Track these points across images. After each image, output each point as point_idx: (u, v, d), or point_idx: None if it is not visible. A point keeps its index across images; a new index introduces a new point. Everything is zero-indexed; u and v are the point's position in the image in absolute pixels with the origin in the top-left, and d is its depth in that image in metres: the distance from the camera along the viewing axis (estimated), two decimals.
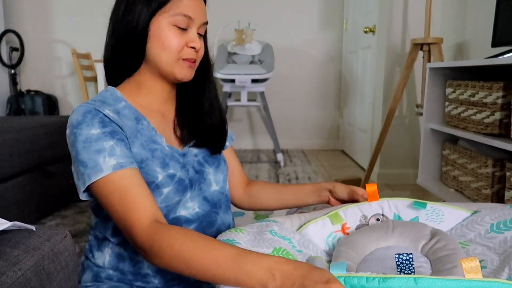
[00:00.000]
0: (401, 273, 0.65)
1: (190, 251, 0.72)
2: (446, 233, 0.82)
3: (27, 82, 4.29)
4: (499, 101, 1.52)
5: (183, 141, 0.98)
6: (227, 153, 1.14)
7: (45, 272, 0.63)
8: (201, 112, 1.01)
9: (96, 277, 0.94)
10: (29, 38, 4.19)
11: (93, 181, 0.80)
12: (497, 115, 1.54)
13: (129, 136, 0.89)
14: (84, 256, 0.99)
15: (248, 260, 0.67)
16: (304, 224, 0.95)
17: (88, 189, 0.83)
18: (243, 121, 4.31)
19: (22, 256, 0.61)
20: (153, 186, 0.88)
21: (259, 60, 3.52)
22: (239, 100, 3.46)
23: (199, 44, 0.93)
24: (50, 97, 4.20)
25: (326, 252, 0.91)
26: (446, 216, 0.91)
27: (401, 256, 0.66)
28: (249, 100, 3.58)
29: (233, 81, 3.29)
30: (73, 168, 0.85)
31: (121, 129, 0.88)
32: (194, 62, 0.95)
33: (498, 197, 1.60)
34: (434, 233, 0.82)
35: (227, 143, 1.13)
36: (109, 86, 0.97)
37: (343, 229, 0.93)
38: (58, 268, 0.66)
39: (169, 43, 0.90)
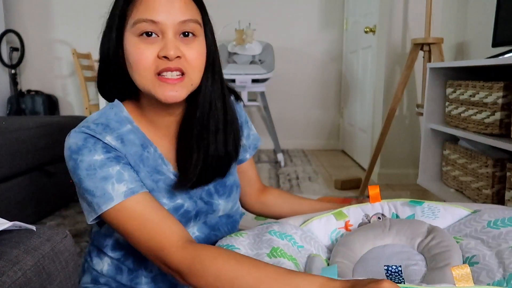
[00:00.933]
0: (391, 274, 0.64)
1: (234, 269, 0.66)
2: (443, 230, 0.82)
3: (27, 82, 4.29)
4: (500, 101, 1.52)
5: (180, 167, 0.86)
6: (247, 165, 1.05)
7: (45, 272, 0.63)
8: (203, 140, 0.84)
9: (95, 280, 0.93)
10: (30, 38, 4.19)
11: (104, 210, 0.73)
12: (498, 115, 1.54)
13: (133, 165, 0.80)
14: (84, 257, 0.99)
15: (299, 278, 0.63)
16: (308, 220, 0.95)
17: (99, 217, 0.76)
18: None
19: (22, 256, 0.61)
20: None
21: (260, 60, 3.52)
22: None
23: (172, 50, 0.73)
24: (50, 97, 4.20)
25: (328, 248, 0.92)
26: (442, 212, 0.92)
27: (389, 268, 0.66)
28: (249, 100, 3.58)
29: (233, 81, 3.29)
30: (78, 195, 0.79)
31: (125, 156, 0.80)
32: (181, 76, 0.76)
33: (499, 197, 1.60)
34: (431, 229, 0.82)
35: (247, 155, 1.03)
36: (116, 101, 0.86)
37: (346, 226, 0.95)
38: (59, 268, 0.66)
39: (136, 60, 0.75)
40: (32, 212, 1.99)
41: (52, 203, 2.14)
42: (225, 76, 3.28)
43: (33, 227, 0.67)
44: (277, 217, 1.05)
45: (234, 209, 1.00)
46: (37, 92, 4.19)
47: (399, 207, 0.96)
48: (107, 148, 0.77)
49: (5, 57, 4.11)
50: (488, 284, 0.67)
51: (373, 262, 0.77)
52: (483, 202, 1.62)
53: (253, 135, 1.05)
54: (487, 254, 0.74)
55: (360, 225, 0.95)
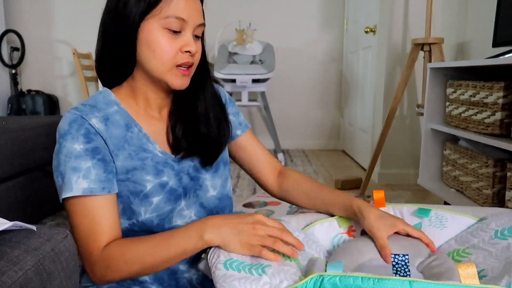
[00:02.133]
0: (397, 274, 0.64)
1: (132, 253, 0.80)
2: (445, 254, 0.82)
3: (28, 82, 4.30)
4: (500, 101, 1.52)
5: (176, 147, 0.93)
6: (242, 140, 1.09)
7: (45, 272, 0.63)
8: (194, 120, 0.95)
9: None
10: (30, 38, 4.19)
11: (63, 196, 0.82)
12: (498, 115, 1.54)
13: (112, 150, 0.86)
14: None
15: (181, 228, 0.80)
16: (311, 223, 0.95)
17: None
18: None
19: (22, 256, 0.61)
20: (141, 196, 0.87)
21: (260, 60, 3.52)
22: (240, 100, 3.46)
23: (194, 47, 0.86)
24: (50, 97, 4.20)
25: (329, 252, 0.92)
26: (450, 222, 0.91)
27: (397, 257, 0.65)
28: (249, 100, 3.58)
29: (234, 81, 3.30)
30: (54, 175, 0.86)
31: (105, 142, 0.85)
32: (190, 68, 0.88)
33: (499, 197, 1.60)
34: (433, 254, 0.82)
35: (238, 132, 1.08)
36: (104, 88, 0.93)
37: (349, 231, 0.94)
38: (59, 268, 0.66)
39: (160, 50, 0.84)
40: (32, 212, 1.99)
41: (52, 203, 2.14)
42: (226, 76, 3.29)
43: (34, 227, 0.67)
44: (296, 204, 1.10)
45: (227, 187, 1.02)
46: (37, 92, 4.19)
47: (406, 215, 0.94)
48: (89, 136, 0.83)
49: (6, 57, 4.11)
50: None
51: (370, 270, 0.77)
52: (484, 202, 1.62)
53: (241, 116, 1.12)
54: (495, 267, 0.74)
55: (363, 231, 0.93)
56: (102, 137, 0.85)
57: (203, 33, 0.95)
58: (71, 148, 0.82)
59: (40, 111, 4.08)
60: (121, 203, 0.87)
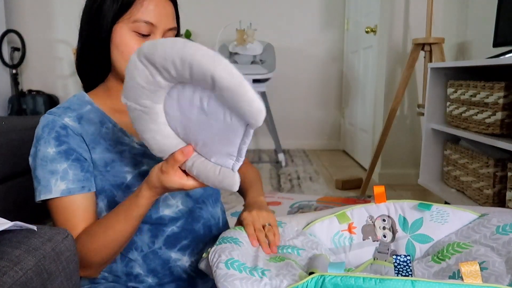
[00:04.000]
0: (399, 275, 0.64)
1: (101, 235, 0.83)
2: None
3: (28, 82, 4.30)
4: (501, 101, 1.52)
5: None
6: None
7: (46, 272, 0.63)
8: None
9: (92, 279, 0.95)
10: (31, 38, 4.19)
11: (42, 199, 0.86)
12: (499, 115, 1.54)
13: (89, 143, 0.89)
14: None
15: (129, 201, 0.82)
16: (311, 222, 0.95)
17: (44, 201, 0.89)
18: None
19: (23, 256, 0.61)
20: (124, 187, 0.89)
21: (261, 60, 3.52)
22: None
23: None
24: (51, 97, 4.20)
25: (331, 250, 0.92)
26: (451, 217, 0.92)
27: (399, 257, 0.65)
28: None
29: None
30: (32, 176, 0.89)
31: (82, 137, 0.89)
32: None
33: (500, 197, 1.60)
34: None
35: None
36: (80, 91, 0.98)
37: (349, 228, 0.95)
38: (60, 268, 0.66)
39: (128, 52, 0.87)
40: (32, 212, 1.99)
41: None
42: None
43: (34, 227, 0.67)
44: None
45: None
46: (38, 92, 4.19)
47: (407, 209, 0.95)
48: (60, 139, 0.87)
49: (6, 57, 4.12)
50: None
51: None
52: (484, 202, 1.62)
53: None
54: (497, 261, 0.74)
55: (364, 227, 0.95)
56: (76, 134, 0.89)
57: (177, 35, 0.97)
58: (45, 152, 0.86)
59: (40, 111, 4.08)
60: (105, 198, 0.91)
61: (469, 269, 0.59)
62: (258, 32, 3.58)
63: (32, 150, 0.89)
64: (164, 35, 0.90)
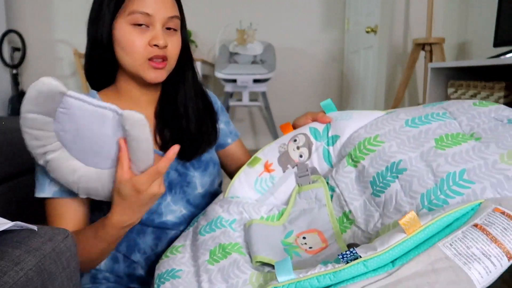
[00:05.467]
0: (348, 262, 0.59)
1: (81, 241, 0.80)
2: None
3: (29, 82, 4.30)
4: (501, 101, 1.52)
5: (164, 147, 0.94)
6: (231, 149, 1.12)
7: (46, 272, 0.63)
8: (176, 115, 0.96)
9: (94, 279, 0.95)
10: (31, 38, 4.19)
11: (36, 196, 0.87)
12: None
13: None
14: None
15: (101, 229, 0.79)
16: (228, 185, 0.92)
17: None
18: (244, 121, 4.31)
19: (23, 256, 0.61)
20: None
21: (261, 60, 3.52)
22: (240, 100, 3.46)
23: (162, 40, 0.85)
24: None
25: (259, 200, 0.89)
26: (355, 114, 0.88)
27: (345, 255, 0.60)
28: (250, 100, 3.58)
29: (234, 81, 3.30)
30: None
31: None
32: (164, 61, 0.88)
33: None
34: None
35: (229, 140, 1.12)
36: (91, 90, 0.96)
37: (266, 168, 0.91)
38: (60, 268, 0.66)
39: (129, 46, 0.86)
40: (33, 212, 1.99)
41: None
42: (227, 76, 3.29)
43: (35, 227, 0.67)
44: None
45: (214, 186, 1.03)
46: None
47: (314, 123, 0.91)
48: None
49: (7, 57, 4.12)
50: (423, 195, 0.67)
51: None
52: None
53: (232, 125, 1.15)
54: (412, 157, 0.72)
55: (279, 158, 0.90)
56: None
57: (183, 26, 0.95)
58: None
59: None
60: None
61: (408, 221, 0.57)
62: (258, 32, 3.58)
63: None
64: (165, 24, 0.88)
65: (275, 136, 3.46)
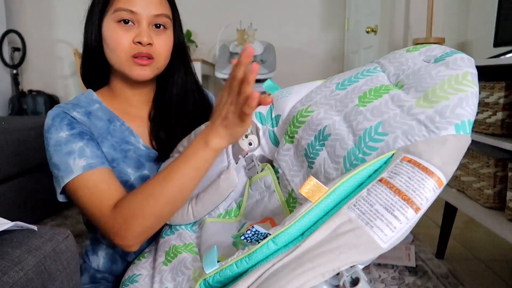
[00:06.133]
0: (258, 242, 0.57)
1: (149, 191, 0.75)
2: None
3: (29, 82, 4.30)
4: (501, 101, 1.52)
5: (160, 149, 0.95)
6: None
7: (47, 272, 0.63)
8: (168, 116, 0.97)
9: (93, 279, 0.95)
10: (31, 38, 4.19)
11: (65, 182, 0.81)
12: (499, 115, 1.53)
13: (97, 137, 0.88)
14: (81, 259, 1.01)
15: (185, 151, 0.75)
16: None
17: (65, 191, 0.85)
18: None
19: (24, 256, 0.61)
20: (128, 185, 0.89)
21: (261, 60, 3.52)
22: None
23: (146, 37, 0.85)
24: (52, 97, 4.20)
25: None
26: (296, 88, 0.86)
27: (245, 235, 0.58)
28: None
29: None
30: (51, 169, 0.87)
31: (91, 130, 0.88)
32: (149, 59, 0.88)
33: (500, 197, 1.60)
34: None
35: None
36: (88, 89, 0.97)
37: None
38: (60, 268, 0.66)
39: (113, 43, 0.86)
40: (33, 212, 1.99)
41: (53, 203, 2.14)
42: (227, 76, 3.29)
43: (35, 227, 0.67)
44: None
45: None
46: (38, 92, 4.19)
47: (261, 107, 0.87)
48: (72, 124, 0.85)
49: (7, 57, 4.12)
50: (344, 158, 0.62)
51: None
52: (485, 202, 1.62)
53: None
54: (336, 121, 0.67)
55: (232, 150, 0.86)
56: (85, 126, 0.88)
57: (176, 25, 0.94)
58: (58, 137, 0.83)
59: (41, 111, 4.08)
60: None
61: (309, 188, 0.54)
62: (258, 32, 3.58)
63: (44, 142, 0.87)
64: (151, 22, 0.87)
65: None
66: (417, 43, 2.35)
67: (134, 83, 0.94)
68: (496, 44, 1.80)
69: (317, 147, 0.69)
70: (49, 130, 0.85)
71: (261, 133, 0.85)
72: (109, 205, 0.78)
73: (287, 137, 0.78)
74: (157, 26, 0.89)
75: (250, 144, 0.86)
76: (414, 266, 1.67)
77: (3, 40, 4.02)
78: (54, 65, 4.31)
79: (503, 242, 1.97)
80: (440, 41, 2.30)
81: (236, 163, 0.85)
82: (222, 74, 3.25)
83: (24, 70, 4.30)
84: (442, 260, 1.78)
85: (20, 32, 4.08)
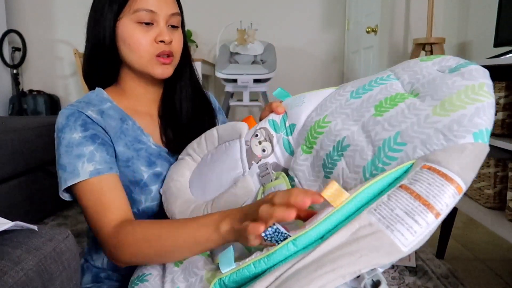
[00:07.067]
0: (278, 243, 0.57)
1: (145, 235, 0.74)
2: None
3: (29, 82, 4.30)
4: (502, 101, 1.52)
5: (169, 146, 0.96)
6: None
7: (47, 272, 0.63)
8: (175, 113, 0.99)
9: (96, 278, 0.94)
10: (31, 38, 4.19)
11: (68, 185, 0.82)
12: (500, 115, 1.53)
13: (112, 137, 0.89)
14: (83, 259, 1.00)
15: (196, 223, 0.71)
16: None
17: (70, 191, 0.85)
18: None
19: (24, 256, 0.61)
20: (142, 184, 0.89)
21: (261, 60, 3.52)
22: (241, 100, 3.46)
23: (168, 36, 0.89)
24: (52, 97, 4.21)
25: None
26: (308, 97, 0.85)
27: (266, 233, 0.56)
28: (251, 100, 3.58)
29: (235, 81, 3.29)
30: (57, 168, 0.87)
31: (104, 130, 0.88)
32: (170, 57, 0.91)
33: (501, 197, 1.60)
34: None
35: None
36: (96, 88, 0.96)
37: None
38: (60, 268, 0.66)
39: (135, 43, 0.88)
40: (33, 212, 1.99)
41: (53, 203, 2.14)
42: (227, 76, 3.28)
43: (35, 227, 0.67)
44: None
45: None
46: (39, 92, 4.19)
47: (273, 114, 0.87)
48: (86, 125, 0.86)
49: (7, 57, 4.12)
50: (364, 168, 0.63)
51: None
52: (485, 202, 1.62)
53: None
54: (354, 131, 0.68)
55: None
56: (100, 125, 0.88)
57: (183, 23, 0.98)
58: (71, 138, 0.84)
59: (41, 111, 4.09)
60: None
61: (331, 192, 0.54)
62: (259, 32, 3.58)
63: (56, 142, 0.86)
64: (168, 21, 0.91)
65: None
66: (417, 43, 2.35)
67: (147, 81, 0.96)
68: (496, 44, 1.80)
69: (335, 157, 0.70)
70: (63, 129, 0.85)
71: (274, 140, 0.86)
72: (112, 219, 0.79)
73: (305, 147, 0.79)
74: (171, 25, 0.92)
75: (263, 150, 0.86)
76: (414, 266, 1.67)
77: (4, 40, 4.02)
78: (54, 65, 4.31)
79: (503, 242, 1.97)
80: (441, 41, 2.30)
81: (249, 169, 0.86)
82: (222, 74, 3.25)
83: (25, 70, 4.30)
84: (442, 260, 1.78)
85: (21, 32, 4.08)
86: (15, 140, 1.90)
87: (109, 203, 0.81)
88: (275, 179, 0.82)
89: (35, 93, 4.16)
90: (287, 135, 0.85)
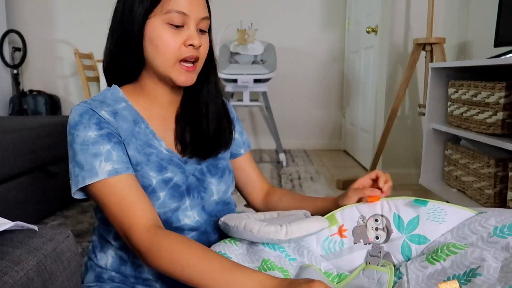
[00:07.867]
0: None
1: (187, 258, 0.74)
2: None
3: (29, 82, 4.30)
4: (502, 101, 1.52)
5: (183, 151, 0.94)
6: (242, 161, 1.12)
7: (47, 272, 0.63)
8: (197, 116, 0.97)
9: (98, 278, 0.94)
10: (32, 38, 4.20)
11: (87, 184, 0.81)
12: (500, 115, 1.53)
13: (124, 139, 0.88)
14: (87, 256, 1.00)
15: (241, 273, 0.70)
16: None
17: (82, 189, 0.84)
18: (245, 121, 4.31)
19: (24, 256, 0.61)
20: (150, 190, 0.88)
21: (262, 60, 3.52)
22: (241, 100, 3.46)
23: (198, 40, 0.86)
24: (52, 97, 4.21)
25: (323, 257, 0.89)
26: (449, 215, 0.86)
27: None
28: (251, 100, 3.58)
29: (235, 81, 3.29)
30: (70, 167, 0.85)
31: (117, 131, 0.87)
32: (195, 63, 0.89)
33: (501, 197, 1.60)
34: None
35: (242, 150, 1.11)
36: (113, 85, 0.94)
37: (340, 231, 0.91)
38: (61, 268, 0.66)
39: (163, 45, 0.86)
40: (34, 212, 1.99)
41: (54, 203, 2.14)
42: (227, 76, 3.29)
43: (35, 227, 0.67)
44: None
45: (228, 194, 1.02)
46: (39, 92, 4.19)
47: (401, 207, 0.89)
48: (101, 123, 0.85)
49: (7, 57, 4.12)
50: None
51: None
52: (485, 202, 1.62)
53: (245, 135, 1.15)
54: (492, 266, 0.70)
55: (355, 229, 0.90)
56: (113, 126, 0.87)
57: (210, 27, 0.95)
58: (86, 136, 0.83)
59: (41, 111, 4.09)
60: None
61: (448, 286, 0.57)
62: (259, 32, 3.58)
63: (69, 138, 0.85)
64: (198, 25, 0.88)
65: (276, 136, 3.46)
66: (417, 43, 2.35)
67: (169, 84, 0.93)
68: (496, 44, 1.80)
69: (461, 281, 0.71)
70: (77, 126, 0.84)
71: (392, 235, 0.87)
72: (144, 222, 0.79)
73: (430, 258, 0.80)
74: (200, 30, 0.89)
75: (377, 237, 0.89)
76: None
77: (4, 40, 4.03)
78: (55, 65, 4.31)
79: None
80: (441, 41, 2.30)
81: (354, 243, 0.89)
82: (222, 74, 3.25)
83: (25, 70, 4.30)
84: None
85: (21, 32, 4.08)
86: (15, 140, 1.89)
87: (135, 205, 0.80)
88: (381, 266, 0.85)
89: (35, 93, 4.16)
90: (411, 241, 0.87)
